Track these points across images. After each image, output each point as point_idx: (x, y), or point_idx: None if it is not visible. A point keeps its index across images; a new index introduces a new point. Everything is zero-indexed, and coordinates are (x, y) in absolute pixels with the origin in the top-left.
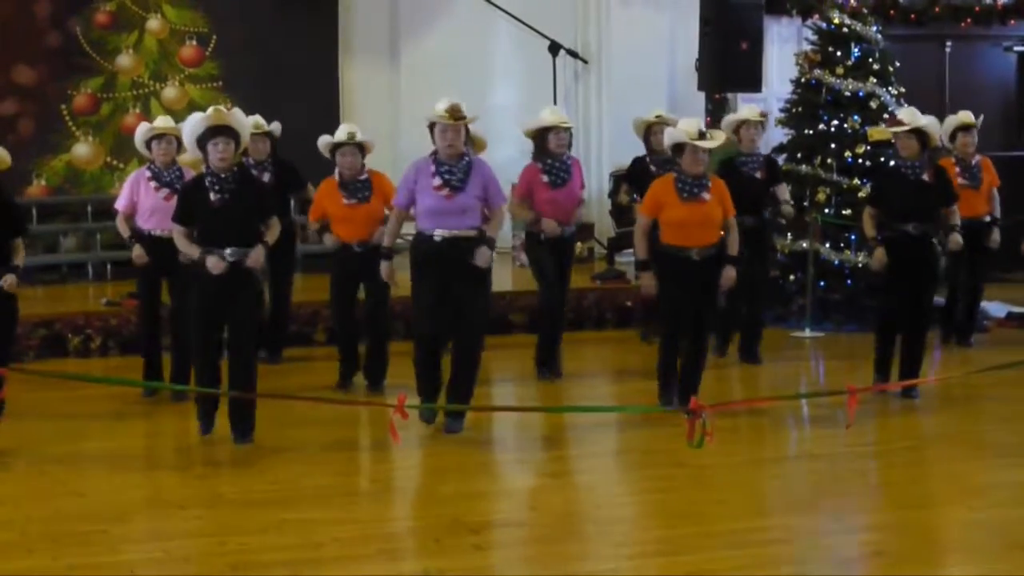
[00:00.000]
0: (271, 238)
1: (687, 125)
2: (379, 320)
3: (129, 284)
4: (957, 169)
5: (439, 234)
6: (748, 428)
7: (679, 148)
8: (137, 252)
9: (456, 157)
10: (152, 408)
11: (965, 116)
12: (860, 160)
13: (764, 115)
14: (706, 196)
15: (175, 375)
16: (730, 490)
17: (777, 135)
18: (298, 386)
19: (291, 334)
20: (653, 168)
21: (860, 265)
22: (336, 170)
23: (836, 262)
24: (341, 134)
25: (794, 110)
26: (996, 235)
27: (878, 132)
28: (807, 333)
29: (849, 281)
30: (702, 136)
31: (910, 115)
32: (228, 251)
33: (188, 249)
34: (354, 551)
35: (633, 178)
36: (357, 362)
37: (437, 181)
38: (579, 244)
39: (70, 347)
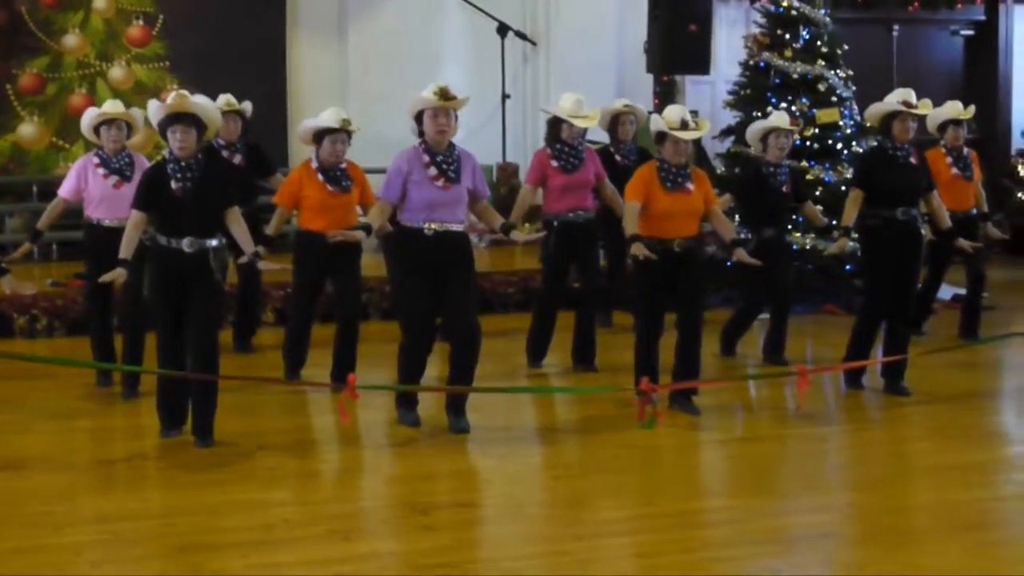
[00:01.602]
0: (244, 238)
1: (670, 114)
2: (352, 312)
3: (75, 265)
4: (949, 159)
5: (431, 228)
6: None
7: (661, 138)
8: (20, 252)
9: (446, 145)
10: (105, 404)
11: (955, 108)
12: (808, 143)
13: (796, 124)
14: (690, 186)
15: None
16: (679, 471)
17: (725, 117)
18: (245, 367)
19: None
20: (618, 158)
21: (807, 247)
22: (315, 155)
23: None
24: (331, 119)
25: (743, 92)
26: (991, 229)
27: (826, 114)
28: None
29: (796, 263)
30: (685, 126)
31: (909, 95)
32: (186, 241)
33: (127, 243)
34: (305, 532)
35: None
36: (305, 356)
37: (433, 171)
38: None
39: (16, 327)
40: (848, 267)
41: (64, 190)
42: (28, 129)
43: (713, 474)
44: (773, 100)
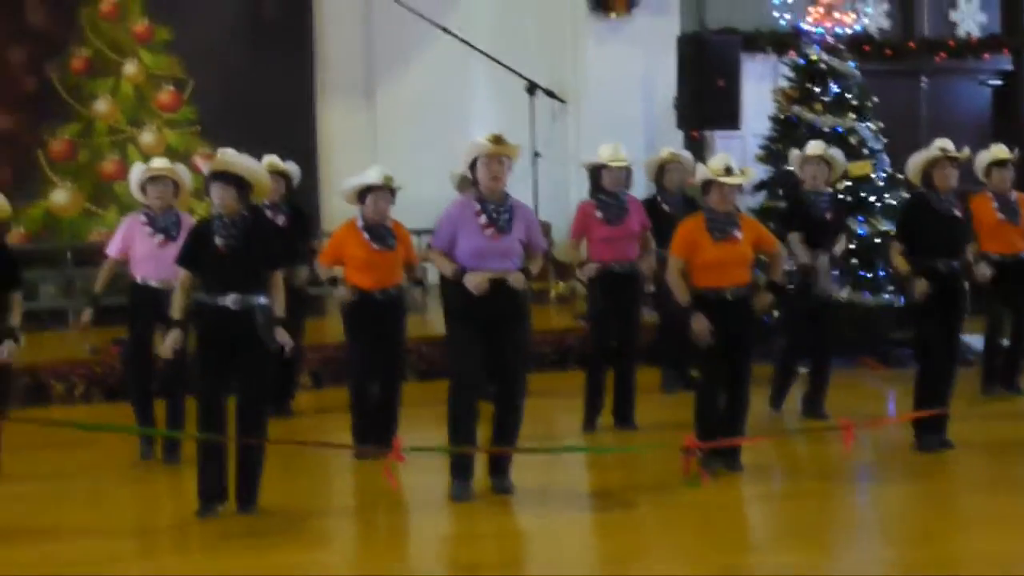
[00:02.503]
0: (279, 304)
1: (714, 162)
2: (396, 371)
3: (111, 331)
4: (995, 204)
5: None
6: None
7: (707, 186)
8: (85, 316)
9: (501, 195)
10: (145, 470)
11: (1000, 151)
12: (840, 195)
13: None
14: (738, 234)
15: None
16: (725, 527)
17: (757, 172)
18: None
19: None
20: (666, 207)
21: (844, 300)
22: (360, 214)
23: None
24: (375, 176)
25: (773, 147)
26: None
27: (858, 167)
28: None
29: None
30: (729, 172)
31: (947, 144)
32: (231, 298)
33: (177, 303)
34: None
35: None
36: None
37: (483, 220)
38: (561, 283)
39: (53, 394)
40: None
41: (111, 249)
42: (61, 195)
43: (759, 530)
44: None
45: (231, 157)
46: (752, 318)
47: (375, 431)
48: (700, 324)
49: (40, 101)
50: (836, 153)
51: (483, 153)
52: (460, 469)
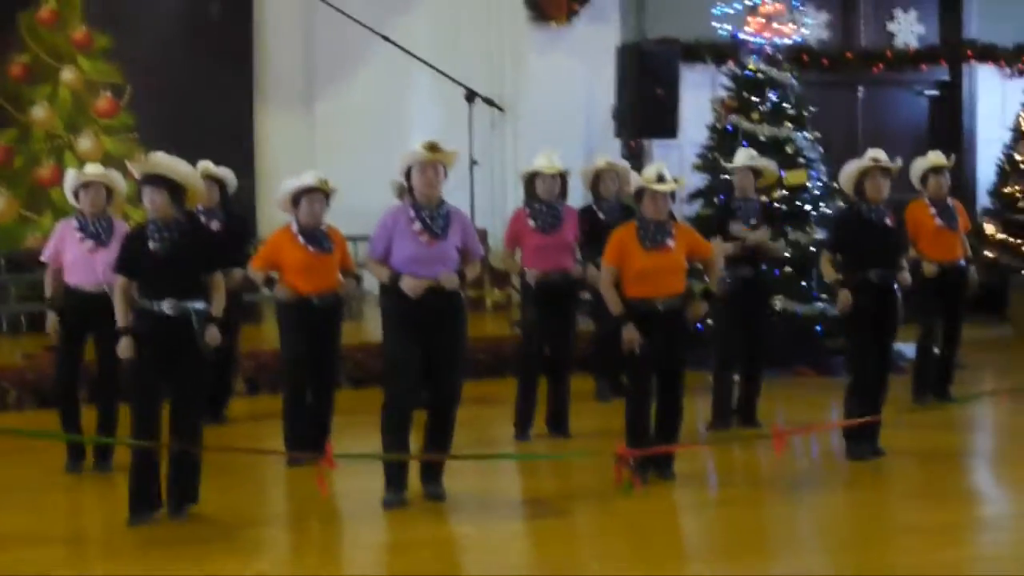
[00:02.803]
0: (217, 304)
1: (647, 170)
2: (330, 378)
3: (45, 337)
4: (932, 211)
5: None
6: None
7: (639, 194)
8: (50, 323)
9: (436, 201)
10: (77, 478)
11: (936, 158)
12: (776, 205)
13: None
14: (670, 243)
15: (99, 441)
16: (659, 536)
17: (694, 180)
18: (219, 437)
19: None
20: (602, 216)
21: (778, 309)
22: (295, 219)
23: None
24: (310, 179)
25: (711, 155)
26: (974, 274)
27: (794, 176)
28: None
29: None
30: (661, 180)
31: (878, 154)
32: (166, 303)
33: (119, 310)
34: None
35: (583, 227)
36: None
37: (418, 226)
38: (497, 291)
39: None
40: (819, 328)
41: (45, 254)
42: None
43: (693, 538)
44: None
45: (161, 160)
46: (684, 328)
47: (309, 438)
48: (630, 334)
49: None
50: (766, 162)
51: (418, 160)
52: (393, 477)
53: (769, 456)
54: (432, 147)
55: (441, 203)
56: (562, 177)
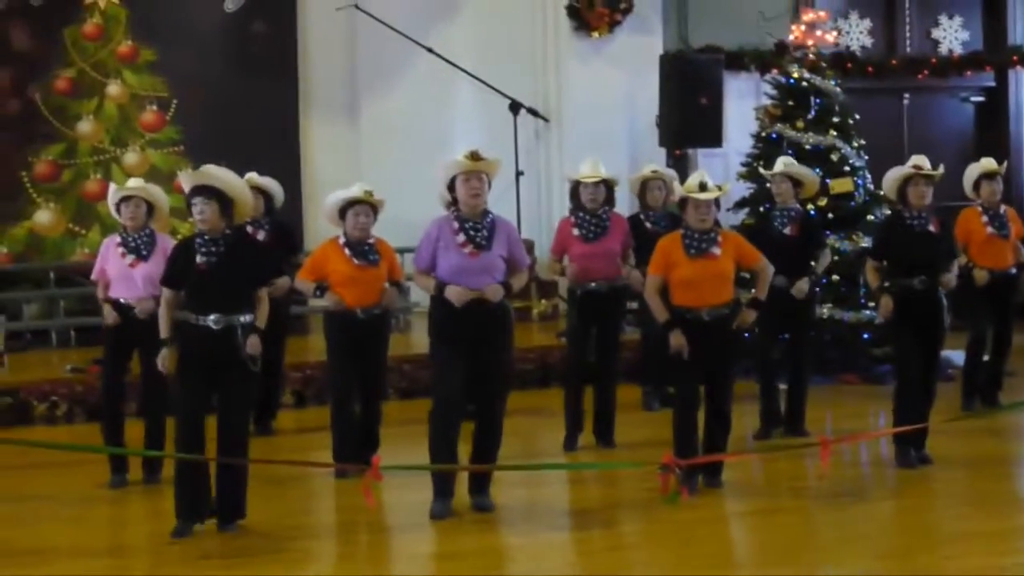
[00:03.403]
0: (261, 317)
1: (690, 179)
2: (378, 390)
3: (94, 350)
4: (984, 218)
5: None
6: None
7: (683, 203)
8: (107, 312)
9: (480, 211)
10: (124, 491)
11: (988, 163)
12: (823, 212)
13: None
14: (715, 251)
15: (146, 454)
16: (705, 545)
17: (739, 189)
18: (267, 450)
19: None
20: (648, 225)
21: (824, 316)
22: (343, 231)
23: None
24: (356, 191)
25: (755, 164)
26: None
27: (840, 184)
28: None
29: (813, 332)
30: (703, 188)
31: (921, 161)
32: (212, 317)
33: (162, 322)
34: None
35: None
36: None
37: (461, 238)
38: (543, 301)
39: (35, 415)
40: (866, 336)
41: (94, 272)
42: (44, 216)
43: (740, 547)
44: None
45: (212, 171)
46: (731, 336)
47: (356, 450)
48: (677, 340)
49: (24, 122)
50: (804, 170)
51: (461, 170)
52: (441, 488)
53: (816, 465)
54: (474, 156)
55: (486, 213)
56: (607, 185)
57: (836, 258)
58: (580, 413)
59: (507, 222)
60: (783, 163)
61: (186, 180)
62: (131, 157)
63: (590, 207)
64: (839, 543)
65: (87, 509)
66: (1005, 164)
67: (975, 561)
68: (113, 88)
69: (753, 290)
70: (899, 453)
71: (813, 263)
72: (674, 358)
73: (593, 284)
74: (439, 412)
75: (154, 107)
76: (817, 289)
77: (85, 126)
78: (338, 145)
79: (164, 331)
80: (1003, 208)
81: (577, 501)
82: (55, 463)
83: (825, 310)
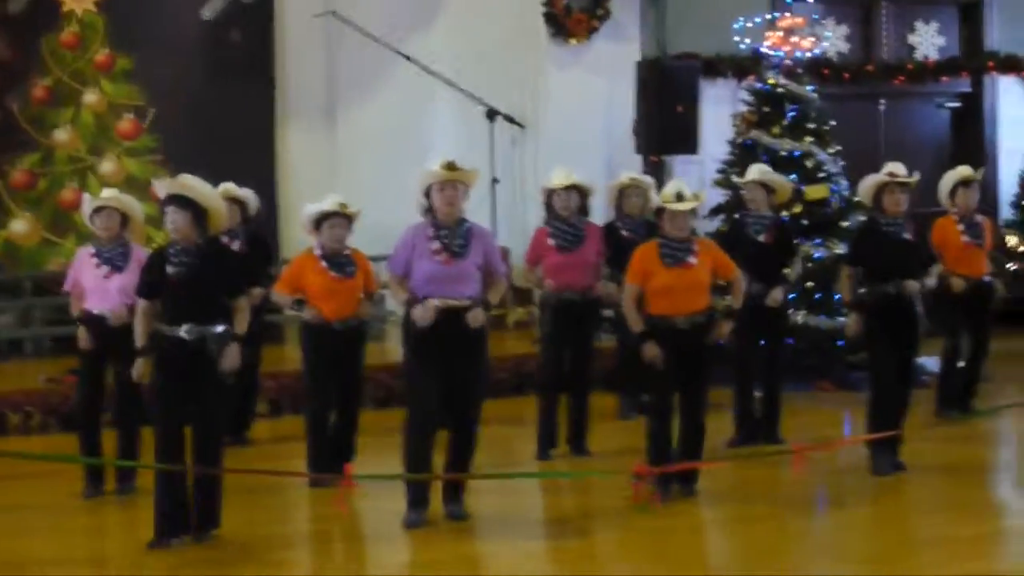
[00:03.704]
0: (239, 325)
1: (666, 188)
2: (354, 400)
3: (69, 360)
4: (960, 227)
5: (433, 303)
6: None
7: (659, 213)
8: (80, 335)
9: (456, 220)
10: (100, 501)
11: (964, 171)
12: (798, 219)
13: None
14: (692, 260)
15: (121, 464)
16: (682, 553)
17: (714, 196)
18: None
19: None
20: (625, 233)
21: (799, 323)
22: (318, 243)
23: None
24: (330, 204)
25: (731, 171)
26: (1000, 289)
27: (815, 191)
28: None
29: (790, 339)
30: (680, 198)
31: (897, 168)
32: (184, 328)
33: (137, 332)
34: None
35: (608, 245)
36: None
37: (435, 245)
38: (519, 309)
39: (9, 425)
40: (841, 343)
41: (66, 283)
42: (20, 225)
43: (715, 554)
44: None
45: (187, 180)
46: (706, 345)
47: (332, 459)
48: (651, 351)
49: (0, 131)
50: (778, 177)
51: (437, 180)
52: (415, 497)
53: (791, 472)
54: (450, 166)
55: (462, 221)
56: (579, 191)
57: (811, 264)
58: (554, 424)
59: (484, 231)
60: (757, 170)
61: (160, 188)
62: (108, 166)
63: (564, 215)
64: (815, 550)
65: (63, 519)
66: (982, 171)
67: (952, 567)
68: (90, 97)
69: (728, 298)
70: (874, 460)
71: (787, 271)
72: (649, 368)
73: (568, 294)
74: (414, 424)
75: (131, 115)
76: (791, 296)
77: (62, 134)
78: (315, 152)
79: (139, 341)
80: (979, 217)
81: (552, 509)
82: (30, 474)
83: (800, 317)
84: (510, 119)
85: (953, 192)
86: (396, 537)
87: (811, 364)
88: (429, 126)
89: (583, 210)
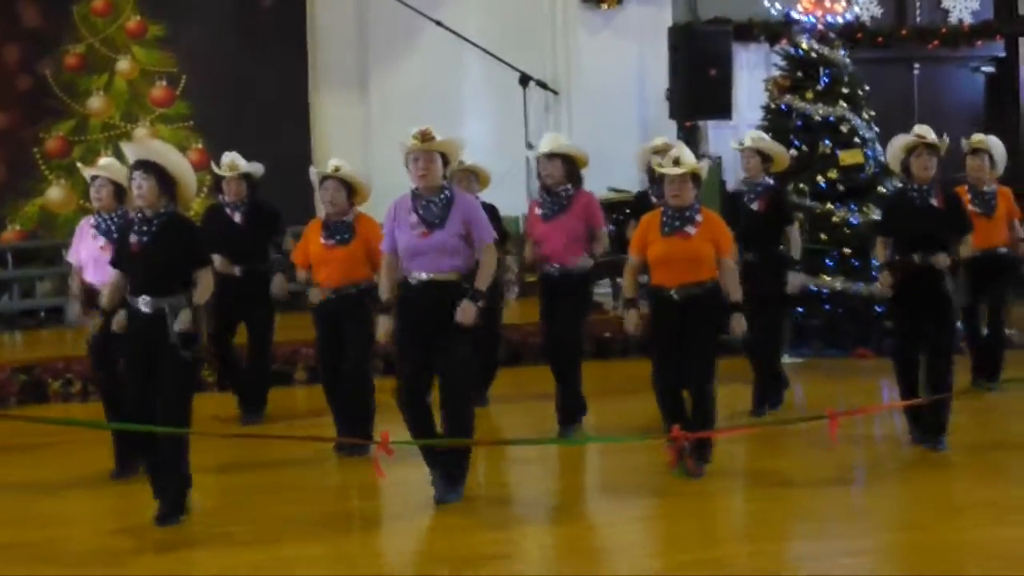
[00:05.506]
0: (200, 296)
1: (668, 154)
2: (358, 378)
3: None
4: (969, 195)
5: (415, 277)
6: (729, 456)
7: (661, 180)
8: (73, 312)
9: (434, 189)
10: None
11: (975, 138)
12: (833, 185)
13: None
14: (690, 230)
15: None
16: (714, 517)
17: None
18: (280, 426)
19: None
20: (654, 199)
21: (838, 289)
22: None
23: (813, 287)
24: (327, 166)
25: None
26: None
27: (850, 155)
28: (786, 359)
29: (827, 306)
30: (677, 163)
31: (924, 131)
32: (143, 299)
33: (106, 298)
34: None
35: (637, 213)
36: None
37: (413, 218)
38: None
39: (49, 392)
40: (879, 309)
41: (70, 253)
42: (56, 192)
43: (745, 520)
44: (796, 143)
45: (155, 146)
46: (705, 317)
47: (344, 426)
48: (629, 321)
49: (34, 99)
50: (773, 144)
51: (408, 150)
52: (428, 461)
53: (823, 439)
54: (421, 136)
55: (441, 189)
56: (565, 160)
57: (847, 231)
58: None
59: (467, 198)
60: (751, 137)
61: (129, 152)
62: (141, 133)
63: (548, 183)
64: (849, 516)
65: (98, 486)
66: (945, 137)
67: (990, 530)
68: (123, 64)
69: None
70: (913, 428)
71: (783, 246)
72: (650, 338)
73: (547, 267)
74: (400, 401)
75: (164, 83)
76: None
77: (95, 102)
78: (348, 119)
79: (106, 304)
80: (992, 186)
81: (573, 477)
82: (67, 439)
83: (837, 283)
84: (543, 85)
85: (964, 161)
86: (425, 503)
87: (848, 331)
88: (461, 92)
89: (572, 178)
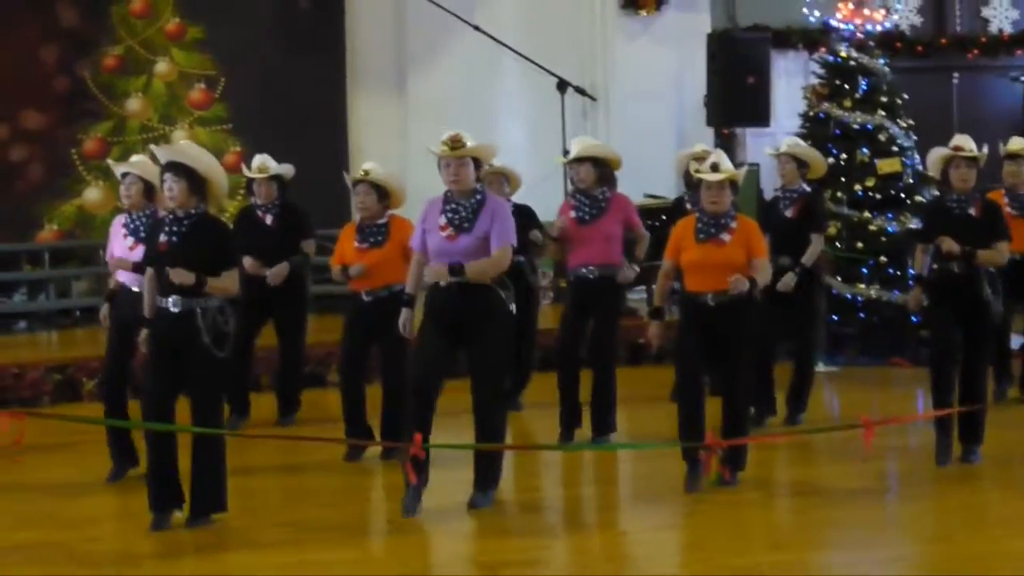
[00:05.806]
0: (215, 285)
1: (706, 161)
2: (393, 382)
3: None
4: (1006, 199)
5: (445, 279)
6: (763, 464)
7: (698, 186)
8: (102, 313)
9: (466, 193)
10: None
11: (1013, 143)
12: (870, 193)
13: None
14: (725, 237)
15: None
16: (746, 525)
17: None
18: (311, 428)
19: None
20: (689, 207)
21: (873, 297)
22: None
23: (848, 295)
24: (358, 171)
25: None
26: None
27: (888, 164)
28: (821, 367)
29: (862, 314)
30: (715, 169)
31: (963, 141)
32: (171, 299)
33: (144, 302)
34: None
35: (673, 220)
36: (367, 429)
37: (442, 220)
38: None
39: (83, 391)
40: (915, 319)
41: (107, 253)
42: (93, 193)
43: (776, 528)
44: (834, 151)
45: (185, 147)
46: (741, 325)
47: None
48: (651, 331)
49: (73, 100)
50: (809, 151)
51: (438, 157)
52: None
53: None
54: (450, 143)
55: (474, 192)
56: (596, 163)
57: (884, 239)
58: (569, 401)
59: (497, 201)
60: (787, 143)
61: (160, 155)
62: (179, 135)
63: (581, 187)
64: (881, 526)
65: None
66: (985, 147)
67: (1021, 544)
68: (161, 66)
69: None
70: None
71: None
72: (676, 347)
73: (583, 270)
74: (412, 388)
75: (202, 85)
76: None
77: (134, 104)
78: (385, 121)
79: (146, 311)
80: None
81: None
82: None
83: (873, 292)
84: (580, 91)
85: (1002, 166)
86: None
87: (884, 340)
88: (498, 96)
89: (605, 181)
